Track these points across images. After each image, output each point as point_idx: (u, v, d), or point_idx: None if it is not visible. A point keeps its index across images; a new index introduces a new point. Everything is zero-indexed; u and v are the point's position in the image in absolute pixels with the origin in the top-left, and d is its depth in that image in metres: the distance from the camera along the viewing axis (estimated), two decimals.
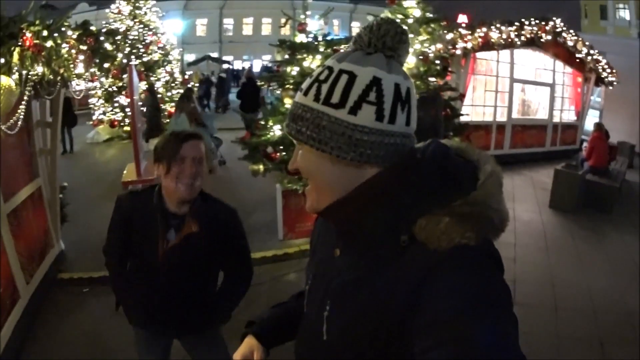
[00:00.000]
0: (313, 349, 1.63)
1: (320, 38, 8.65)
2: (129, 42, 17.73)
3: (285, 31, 12.81)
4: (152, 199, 3.26)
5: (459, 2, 17.07)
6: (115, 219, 3.46)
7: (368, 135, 1.34)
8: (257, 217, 9.47)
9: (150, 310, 3.38)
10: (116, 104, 18.10)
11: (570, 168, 12.23)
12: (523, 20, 15.37)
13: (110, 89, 17.73)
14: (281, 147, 8.32)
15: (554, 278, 8.05)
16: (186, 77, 24.18)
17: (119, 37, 7.96)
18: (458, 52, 13.79)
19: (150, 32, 18.95)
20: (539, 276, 8.09)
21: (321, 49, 8.52)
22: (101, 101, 18.46)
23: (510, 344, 1.13)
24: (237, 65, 53.02)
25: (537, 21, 15.80)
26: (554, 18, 16.30)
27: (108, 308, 6.03)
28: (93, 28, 6.18)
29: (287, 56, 8.83)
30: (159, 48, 19.22)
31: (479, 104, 16.47)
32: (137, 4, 18.83)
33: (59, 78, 5.72)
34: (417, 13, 9.43)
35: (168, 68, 19.61)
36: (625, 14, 43.08)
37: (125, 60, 14.15)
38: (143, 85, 17.14)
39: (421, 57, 9.48)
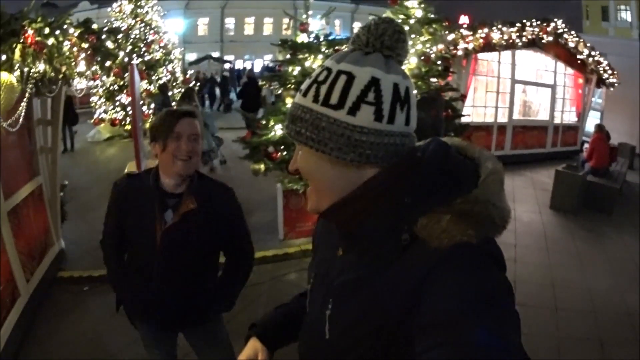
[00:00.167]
0: (315, 349, 1.62)
1: (322, 38, 8.65)
2: (131, 40, 17.71)
3: (287, 31, 12.83)
4: (149, 180, 3.25)
5: (461, 3, 17.08)
6: (111, 204, 3.46)
7: (367, 135, 1.35)
8: (257, 217, 9.43)
9: (149, 302, 3.33)
10: (117, 103, 18.05)
11: (571, 169, 12.23)
12: (524, 21, 15.36)
13: (111, 88, 17.72)
14: (282, 147, 8.32)
15: (554, 278, 8.06)
16: (187, 76, 24.18)
17: (120, 36, 7.94)
18: (459, 52, 13.79)
19: (151, 31, 18.95)
20: (540, 277, 8.09)
21: (323, 49, 8.53)
22: (102, 100, 18.44)
23: (510, 345, 1.12)
24: (239, 64, 52.99)
25: (539, 22, 15.79)
26: (555, 19, 16.29)
27: (108, 307, 6.02)
28: (95, 26, 6.19)
29: (288, 56, 8.84)
30: (160, 47, 19.20)
31: (480, 105, 16.44)
32: (138, 3, 18.84)
33: (60, 76, 5.74)
34: (419, 13, 9.43)
35: (169, 67, 19.60)
36: (626, 15, 43.07)
37: (126, 59, 14.17)
38: (145, 84, 17.15)
39: (422, 57, 9.48)
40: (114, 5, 19.16)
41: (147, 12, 19.05)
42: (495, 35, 14.47)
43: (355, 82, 1.35)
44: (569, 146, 19.20)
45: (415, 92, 1.44)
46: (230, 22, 59.41)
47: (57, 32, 5.27)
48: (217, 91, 29.62)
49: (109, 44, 6.62)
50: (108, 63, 6.52)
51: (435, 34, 9.98)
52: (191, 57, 50.36)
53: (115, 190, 3.43)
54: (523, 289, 7.37)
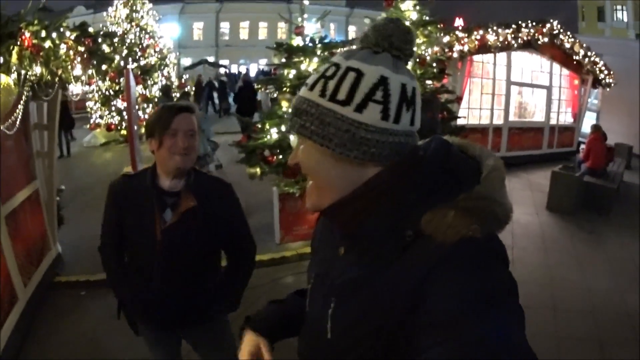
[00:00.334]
0: (317, 348, 1.62)
1: (317, 41, 8.66)
2: (126, 45, 17.75)
3: (282, 34, 12.86)
4: (146, 179, 3.20)
5: (456, 5, 17.10)
6: (108, 206, 3.39)
7: (373, 133, 1.35)
8: (253, 221, 9.26)
9: (149, 302, 3.27)
10: (113, 108, 18.08)
11: (567, 170, 12.25)
12: (520, 22, 15.37)
13: (107, 93, 17.73)
14: (278, 150, 8.32)
15: (553, 279, 8.06)
16: (182, 81, 24.22)
17: (116, 40, 7.94)
18: (455, 55, 13.81)
19: (147, 36, 19.01)
20: (538, 277, 8.09)
21: (318, 52, 8.53)
22: (98, 105, 18.46)
23: (511, 344, 1.12)
24: (234, 69, 53.06)
25: (534, 23, 15.80)
26: (551, 20, 16.30)
27: (106, 309, 6.02)
28: (91, 29, 6.18)
29: (283, 59, 8.85)
30: (155, 52, 19.26)
31: (476, 107, 16.44)
32: (134, 8, 18.89)
33: (56, 79, 5.73)
34: (414, 16, 9.46)
35: (165, 72, 19.63)
36: (622, 15, 43.21)
37: (122, 63, 14.19)
38: (140, 89, 17.17)
39: (418, 60, 9.50)
40: (110, 9, 19.27)
41: (142, 17, 19.14)
42: (491, 37, 14.49)
43: (364, 79, 1.36)
44: (565, 147, 19.22)
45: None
46: (225, 26, 59.60)
47: (54, 35, 5.27)
48: (215, 95, 29.65)
49: (105, 48, 6.61)
50: (104, 67, 6.52)
51: (430, 36, 10.02)
52: (186, 61, 50.44)
53: (111, 191, 3.37)
54: (521, 290, 7.21)
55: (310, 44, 8.62)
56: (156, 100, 18.17)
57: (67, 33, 5.61)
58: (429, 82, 9.55)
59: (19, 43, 4.82)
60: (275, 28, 55.17)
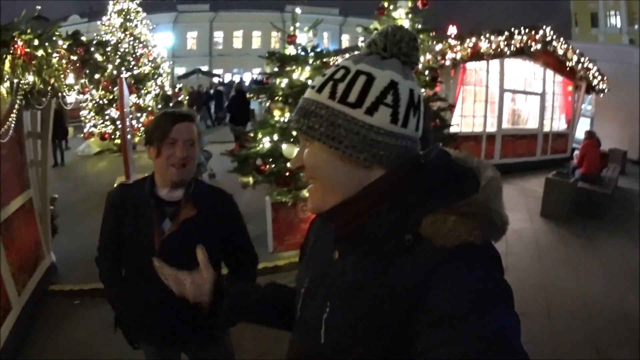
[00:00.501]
0: (309, 353, 1.61)
1: (309, 50, 8.67)
2: (120, 54, 17.78)
3: (276, 43, 12.87)
4: (144, 189, 3.12)
5: (449, 13, 17.15)
6: (106, 217, 3.29)
7: (382, 136, 1.37)
8: None
9: (148, 317, 3.18)
10: (107, 117, 18.05)
11: (561, 176, 12.24)
12: (512, 29, 15.40)
13: (100, 102, 17.72)
14: (270, 160, 8.33)
15: (547, 285, 8.06)
16: (176, 90, 24.23)
17: (109, 49, 7.93)
18: (447, 62, 13.83)
19: (140, 45, 19.01)
20: (532, 284, 8.08)
21: (310, 61, 8.55)
22: (92, 114, 18.45)
23: (513, 343, 1.14)
24: (228, 78, 53.12)
25: (527, 30, 15.83)
26: (544, 27, 16.34)
27: (100, 319, 6.00)
28: (84, 38, 6.19)
29: (276, 68, 8.85)
30: (149, 61, 19.26)
31: (469, 115, 16.47)
32: (128, 17, 18.91)
33: (49, 88, 5.73)
34: (407, 24, 9.47)
35: (158, 81, 19.63)
36: (616, 20, 43.32)
37: (115, 72, 14.19)
38: (134, 98, 17.17)
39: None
40: (104, 18, 19.28)
41: (136, 26, 19.15)
42: (483, 45, 14.52)
43: (375, 83, 1.38)
44: (559, 154, 19.28)
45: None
46: (219, 35, 59.77)
47: (46, 44, 5.27)
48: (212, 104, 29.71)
49: (98, 57, 6.61)
50: (97, 76, 6.52)
51: (422, 44, 10.02)
52: (180, 71, 50.50)
53: (109, 201, 3.28)
54: (516, 297, 7.14)
55: (303, 53, 8.63)
56: (151, 109, 18.19)
57: (60, 42, 5.61)
58: (421, 90, 9.57)
59: (11, 52, 4.82)
60: (269, 37, 55.31)
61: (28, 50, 4.93)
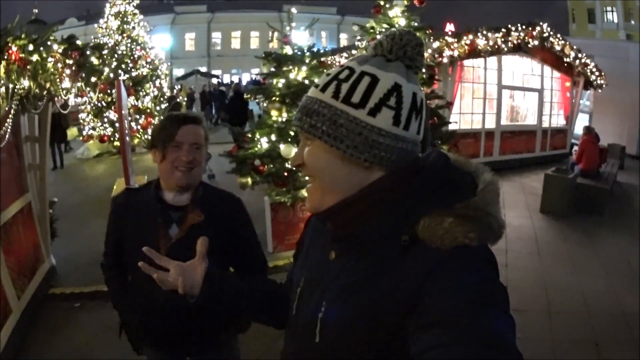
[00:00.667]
0: (303, 352, 1.62)
1: (305, 50, 8.66)
2: (117, 56, 17.77)
3: (274, 44, 12.84)
4: (150, 193, 3.02)
5: (445, 11, 17.15)
6: (111, 222, 3.22)
7: (384, 138, 1.37)
8: None
9: (154, 324, 3.07)
10: (105, 120, 18.05)
11: (560, 172, 12.24)
12: (509, 26, 15.42)
13: (99, 104, 17.69)
14: (269, 160, 8.32)
15: (547, 282, 8.05)
16: (174, 92, 24.24)
17: (105, 52, 7.92)
18: (445, 60, 13.84)
19: (138, 47, 18.99)
20: (532, 281, 8.08)
21: (307, 61, 8.54)
22: (90, 116, 18.45)
23: (511, 344, 1.13)
24: (226, 79, 53.14)
25: (524, 27, 15.85)
26: (541, 23, 16.35)
27: (99, 322, 6.04)
28: (79, 42, 6.18)
29: (272, 69, 8.85)
30: (147, 63, 19.23)
31: (467, 112, 16.50)
32: (125, 19, 18.88)
33: (45, 92, 5.73)
34: (403, 22, 9.46)
35: (157, 83, 19.61)
36: (613, 16, 43.34)
37: (112, 75, 14.18)
38: (132, 100, 17.17)
39: None
40: (101, 21, 19.23)
41: (133, 28, 19.08)
42: (481, 42, 14.53)
43: (379, 84, 1.38)
44: (558, 150, 19.34)
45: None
46: (217, 36, 59.87)
47: (41, 48, 5.26)
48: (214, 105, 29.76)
49: (94, 60, 6.60)
50: (93, 79, 6.51)
51: None
52: (179, 72, 50.55)
53: (114, 207, 3.22)
54: (516, 294, 7.33)
55: (299, 53, 8.62)
56: (150, 111, 18.19)
57: (55, 46, 5.60)
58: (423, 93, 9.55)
59: (5, 57, 4.81)
60: (267, 37, 55.09)
61: (22, 55, 4.92)
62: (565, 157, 18.62)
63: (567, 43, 17.66)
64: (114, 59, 17.14)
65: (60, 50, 5.69)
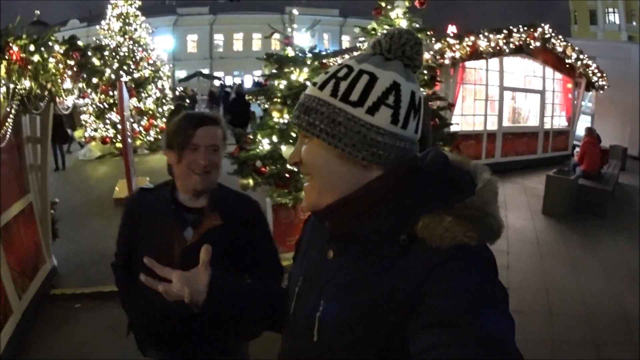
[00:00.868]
0: (301, 351, 1.61)
1: (307, 51, 8.66)
2: (119, 58, 17.78)
3: (276, 46, 12.85)
4: (165, 194, 2.94)
5: (447, 13, 17.17)
6: (123, 223, 3.13)
7: (382, 136, 1.37)
8: None
9: (165, 328, 2.99)
10: (107, 121, 18.04)
11: (562, 173, 12.24)
12: (511, 27, 15.41)
13: (101, 106, 17.70)
14: (270, 161, 8.31)
15: (548, 284, 8.05)
16: (177, 93, 24.26)
17: (106, 53, 7.91)
18: (446, 61, 13.83)
19: (140, 49, 19.00)
20: (533, 283, 8.08)
21: (308, 62, 8.54)
22: (92, 118, 18.41)
23: (510, 344, 1.14)
24: (228, 80, 53.15)
25: (525, 28, 15.84)
26: (542, 24, 16.34)
27: (100, 323, 6.03)
28: (80, 43, 6.19)
29: (274, 70, 8.84)
30: (149, 64, 19.24)
31: (469, 114, 16.50)
32: (127, 21, 18.92)
33: (46, 93, 5.73)
34: (404, 23, 9.45)
35: (159, 84, 19.62)
36: (614, 17, 43.39)
37: (113, 76, 14.18)
38: (134, 102, 17.18)
39: None
40: (103, 22, 19.27)
41: (135, 30, 19.11)
42: (482, 43, 14.52)
43: (377, 83, 1.39)
44: (560, 151, 19.29)
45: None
46: (219, 38, 59.96)
47: (42, 49, 5.26)
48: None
49: (95, 61, 6.60)
50: (95, 80, 6.51)
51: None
52: (181, 74, 50.58)
53: (127, 207, 3.16)
54: (517, 296, 7.35)
55: (301, 54, 8.62)
56: (152, 112, 18.22)
57: (56, 47, 5.61)
58: (422, 92, 9.53)
59: (7, 57, 4.82)
60: (269, 39, 55.18)
61: (24, 55, 4.92)
62: (567, 158, 18.59)
63: (569, 44, 17.64)
64: (115, 60, 17.13)
65: (61, 51, 5.70)
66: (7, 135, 5.61)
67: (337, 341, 1.44)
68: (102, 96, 15.82)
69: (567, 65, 18.13)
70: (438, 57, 13.30)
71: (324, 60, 8.85)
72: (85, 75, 6.18)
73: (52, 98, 6.14)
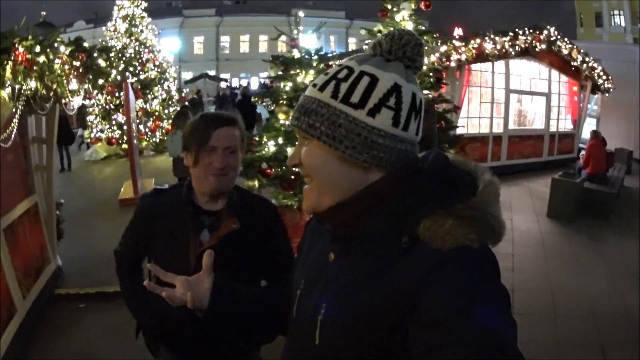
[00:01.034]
0: (303, 354, 1.60)
1: (313, 53, 8.66)
2: (125, 59, 17.81)
3: (282, 47, 12.87)
4: (181, 195, 2.85)
5: (453, 15, 17.16)
6: (134, 222, 3.07)
7: (383, 138, 1.37)
8: None
9: (177, 333, 2.89)
10: (113, 122, 18.09)
11: (567, 176, 12.22)
12: (517, 29, 15.38)
13: (107, 107, 17.73)
14: (276, 163, 8.31)
15: (553, 286, 8.05)
16: (183, 94, 24.26)
17: (112, 54, 7.92)
18: (452, 64, 13.82)
19: (146, 50, 19.03)
20: (538, 285, 8.08)
21: (314, 64, 8.53)
22: (98, 119, 18.46)
23: (512, 345, 1.13)
24: (235, 82, 53.15)
25: (531, 30, 15.81)
26: (548, 27, 16.32)
27: (104, 324, 6.05)
28: (86, 44, 6.20)
29: (280, 72, 8.84)
30: (155, 66, 19.27)
31: (475, 116, 16.47)
32: (133, 22, 18.96)
33: (52, 93, 5.73)
34: (410, 26, 9.44)
35: (165, 86, 19.64)
36: (620, 20, 43.28)
37: (119, 77, 14.22)
38: (140, 103, 17.21)
39: None
40: (109, 24, 19.33)
41: (141, 31, 19.16)
42: (488, 45, 14.50)
43: (378, 85, 1.38)
44: (565, 154, 19.26)
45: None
46: (225, 40, 59.88)
47: (48, 50, 5.27)
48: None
49: (101, 62, 6.61)
50: (100, 81, 6.52)
51: (426, 46, 9.98)
52: (187, 75, 50.57)
53: (140, 207, 3.07)
54: (522, 298, 7.35)
55: (307, 57, 8.61)
56: (158, 113, 18.25)
57: (62, 48, 5.62)
58: (426, 92, 9.52)
59: (12, 58, 4.83)
60: (275, 41, 55.14)
61: (29, 56, 4.93)
62: (573, 161, 18.55)
63: (575, 47, 17.61)
64: (121, 62, 17.16)
65: (67, 52, 5.71)
66: (13, 136, 5.62)
67: (338, 342, 1.44)
68: (108, 97, 15.92)
69: (573, 68, 18.10)
70: (444, 59, 13.29)
71: (330, 63, 8.83)
72: (91, 77, 6.18)
73: (57, 99, 6.15)
